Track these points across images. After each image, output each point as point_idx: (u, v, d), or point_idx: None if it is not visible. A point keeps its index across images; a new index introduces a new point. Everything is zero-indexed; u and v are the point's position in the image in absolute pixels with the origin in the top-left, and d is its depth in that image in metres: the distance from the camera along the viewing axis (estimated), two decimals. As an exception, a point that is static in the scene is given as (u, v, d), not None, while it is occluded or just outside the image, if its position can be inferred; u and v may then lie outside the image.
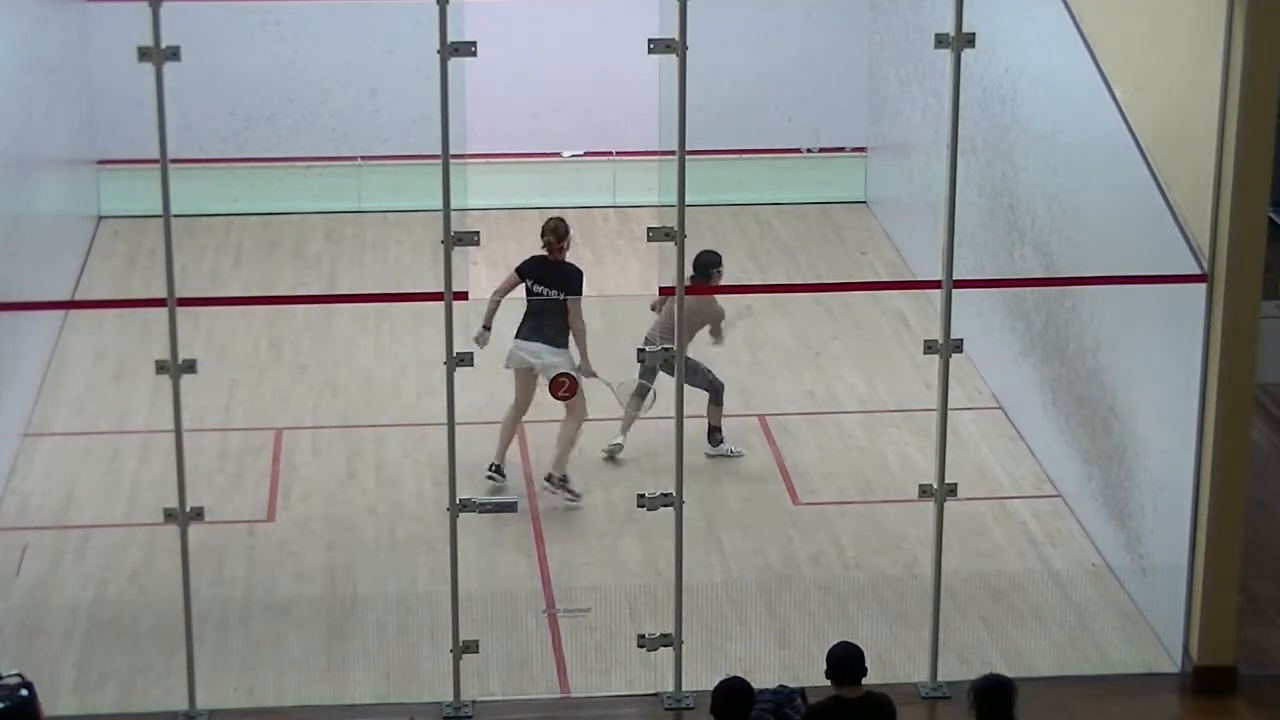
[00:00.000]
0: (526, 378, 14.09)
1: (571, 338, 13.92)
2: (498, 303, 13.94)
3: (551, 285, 13.89)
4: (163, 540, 12.85)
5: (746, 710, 9.71)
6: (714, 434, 14.77)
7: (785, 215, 19.73)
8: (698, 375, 14.41)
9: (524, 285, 13.96)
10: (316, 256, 18.66)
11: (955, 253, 11.63)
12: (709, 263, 14.45)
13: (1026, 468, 14.68)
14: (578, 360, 13.95)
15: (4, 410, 14.43)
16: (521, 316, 14.00)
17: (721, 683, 9.79)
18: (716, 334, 14.74)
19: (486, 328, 13.82)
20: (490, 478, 14.03)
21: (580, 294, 13.95)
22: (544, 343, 13.89)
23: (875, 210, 19.75)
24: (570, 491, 14.04)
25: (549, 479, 14.08)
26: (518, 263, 14.09)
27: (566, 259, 14.01)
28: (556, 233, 13.94)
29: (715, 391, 14.66)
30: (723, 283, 14.67)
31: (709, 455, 14.69)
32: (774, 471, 14.61)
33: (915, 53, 17.64)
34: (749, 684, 9.80)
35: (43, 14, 17.23)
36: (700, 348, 14.55)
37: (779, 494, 14.30)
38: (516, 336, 14.00)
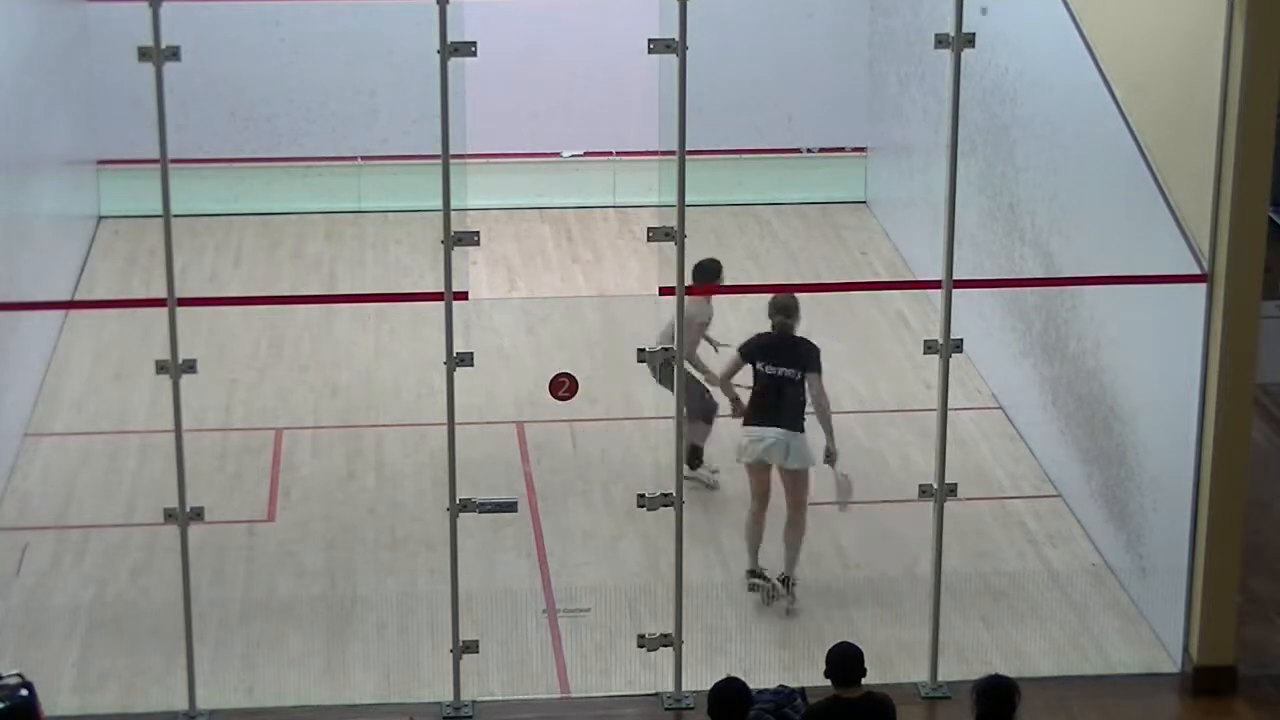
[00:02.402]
0: (760, 469, 12.94)
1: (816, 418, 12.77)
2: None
3: (785, 364, 12.74)
4: (163, 540, 12.85)
5: (745, 711, 9.69)
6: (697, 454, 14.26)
7: (785, 215, 19.72)
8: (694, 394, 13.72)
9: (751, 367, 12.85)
10: (316, 256, 18.65)
11: (955, 253, 11.63)
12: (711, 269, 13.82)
13: (1026, 468, 14.68)
14: (825, 442, 12.83)
15: (4, 410, 14.43)
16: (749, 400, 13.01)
17: (717, 684, 9.73)
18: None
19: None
20: (753, 586, 12.84)
21: (820, 371, 12.79)
22: (781, 426, 12.73)
23: (875, 210, 19.74)
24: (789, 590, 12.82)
25: (784, 580, 12.87)
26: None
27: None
28: (786, 310, 12.90)
29: (708, 411, 14.14)
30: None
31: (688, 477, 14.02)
32: (774, 471, 14.57)
33: (915, 53, 17.64)
34: (745, 684, 9.78)
35: (43, 14, 17.21)
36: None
37: (779, 494, 14.26)
38: (745, 424, 12.91)
